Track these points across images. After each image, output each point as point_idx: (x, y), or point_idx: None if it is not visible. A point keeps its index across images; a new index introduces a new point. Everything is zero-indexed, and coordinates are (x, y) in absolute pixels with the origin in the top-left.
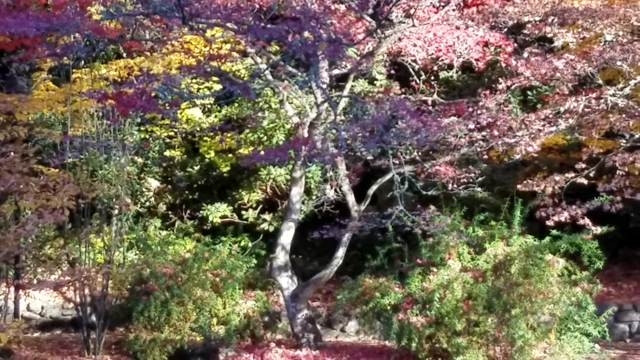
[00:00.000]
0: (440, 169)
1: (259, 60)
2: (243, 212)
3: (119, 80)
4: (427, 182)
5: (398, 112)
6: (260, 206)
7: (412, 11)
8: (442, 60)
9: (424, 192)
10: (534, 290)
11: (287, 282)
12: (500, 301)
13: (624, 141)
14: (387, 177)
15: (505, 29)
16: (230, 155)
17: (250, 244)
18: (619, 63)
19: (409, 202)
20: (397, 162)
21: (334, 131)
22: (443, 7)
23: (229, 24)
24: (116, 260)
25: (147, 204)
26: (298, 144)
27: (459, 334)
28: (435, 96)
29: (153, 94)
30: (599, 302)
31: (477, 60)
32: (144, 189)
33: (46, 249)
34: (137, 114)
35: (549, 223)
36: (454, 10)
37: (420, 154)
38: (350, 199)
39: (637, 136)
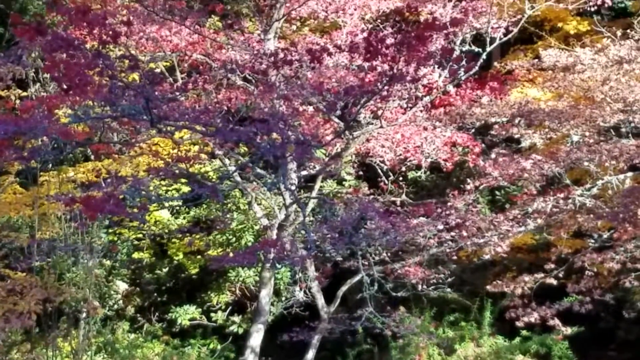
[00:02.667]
0: (409, 269)
1: (227, 162)
2: (212, 314)
3: (87, 183)
4: (396, 283)
5: (367, 213)
6: (230, 308)
7: (380, 112)
8: (411, 160)
9: (394, 293)
10: None
11: None
12: None
13: (593, 241)
14: (357, 278)
15: (473, 130)
16: (199, 256)
17: (219, 347)
18: (586, 163)
19: (379, 303)
20: (366, 263)
21: (302, 232)
22: (410, 108)
23: (197, 126)
24: None
25: (115, 307)
26: (267, 246)
27: None
28: (403, 197)
29: (121, 197)
30: None
31: (445, 160)
32: (112, 292)
33: (13, 353)
34: (105, 216)
35: (519, 324)
36: (421, 111)
37: (389, 254)
38: (320, 300)
39: (605, 236)
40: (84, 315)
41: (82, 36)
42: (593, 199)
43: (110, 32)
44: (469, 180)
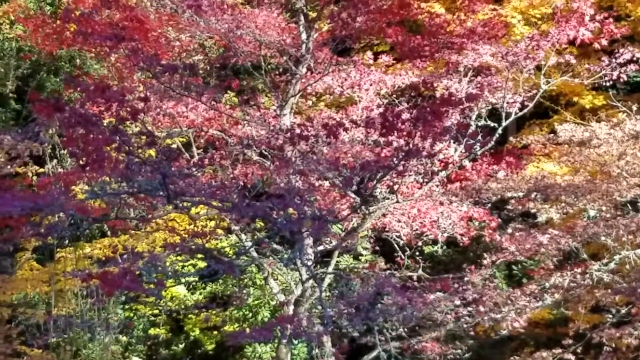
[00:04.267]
0: (426, 345)
1: (243, 237)
2: None
3: (104, 258)
4: (413, 358)
5: (383, 289)
6: None
7: (396, 187)
8: (427, 235)
9: None
10: None
11: None
12: None
13: (611, 316)
14: (374, 354)
15: (489, 204)
16: (215, 332)
17: None
18: (603, 238)
19: None
20: (383, 338)
21: (319, 308)
22: (427, 183)
23: (213, 202)
24: None
25: None
26: (283, 322)
27: None
28: (420, 272)
29: (138, 273)
30: None
31: (461, 235)
32: None
33: None
34: (122, 292)
35: None
36: (437, 186)
37: (406, 330)
38: None
39: (623, 311)
40: None
41: (99, 112)
42: (610, 274)
43: (129, 109)
44: (485, 255)
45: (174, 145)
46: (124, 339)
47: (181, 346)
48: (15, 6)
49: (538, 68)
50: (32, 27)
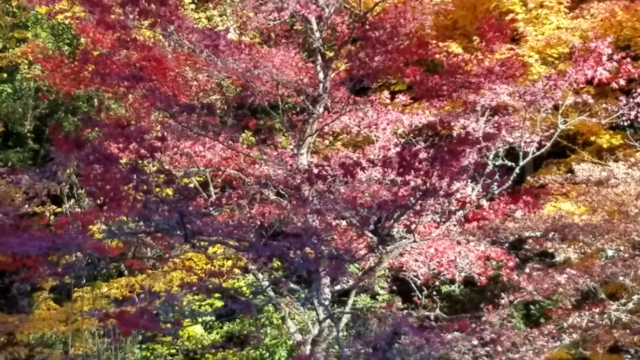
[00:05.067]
0: None
1: (260, 276)
2: None
3: (121, 298)
4: None
5: (400, 328)
6: None
7: (413, 227)
8: (444, 275)
9: None
10: None
11: None
12: None
13: (629, 356)
14: None
15: (507, 244)
16: None
17: None
18: (621, 278)
19: None
20: None
21: (336, 348)
22: (444, 222)
23: (230, 241)
24: None
25: None
26: None
27: None
28: (437, 311)
29: (155, 312)
30: None
31: (479, 274)
32: None
33: None
34: (139, 331)
35: None
36: (455, 225)
37: None
38: None
39: None
40: None
41: (117, 151)
42: (629, 314)
43: (146, 148)
44: (503, 295)
45: (191, 185)
46: None
47: None
48: (33, 47)
49: (555, 107)
50: (50, 67)
